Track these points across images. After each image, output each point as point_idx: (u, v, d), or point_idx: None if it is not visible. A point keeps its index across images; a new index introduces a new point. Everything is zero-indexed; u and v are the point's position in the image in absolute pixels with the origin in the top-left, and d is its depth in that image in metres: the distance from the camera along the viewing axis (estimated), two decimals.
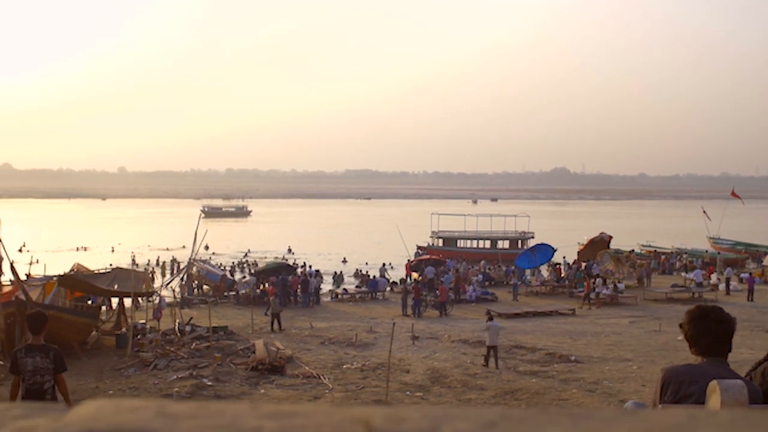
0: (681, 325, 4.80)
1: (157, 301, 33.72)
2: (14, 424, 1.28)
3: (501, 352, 26.22)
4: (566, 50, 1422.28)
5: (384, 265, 52.18)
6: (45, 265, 36.19)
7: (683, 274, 52.34)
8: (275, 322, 32.22)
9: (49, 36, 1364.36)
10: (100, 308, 31.10)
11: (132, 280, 28.35)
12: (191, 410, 1.31)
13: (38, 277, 31.27)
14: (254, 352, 24.38)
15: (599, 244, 51.33)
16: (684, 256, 62.06)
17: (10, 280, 27.92)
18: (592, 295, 41.03)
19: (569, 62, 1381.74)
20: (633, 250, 56.29)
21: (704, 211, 64.85)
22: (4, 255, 23.29)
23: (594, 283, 43.00)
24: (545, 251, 50.27)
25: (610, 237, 52.23)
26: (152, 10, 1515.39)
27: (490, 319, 26.02)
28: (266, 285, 42.88)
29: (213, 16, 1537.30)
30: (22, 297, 24.01)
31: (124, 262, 51.66)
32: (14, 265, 25.24)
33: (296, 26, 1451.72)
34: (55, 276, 29.09)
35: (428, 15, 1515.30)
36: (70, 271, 31.58)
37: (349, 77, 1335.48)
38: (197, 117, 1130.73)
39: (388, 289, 45.47)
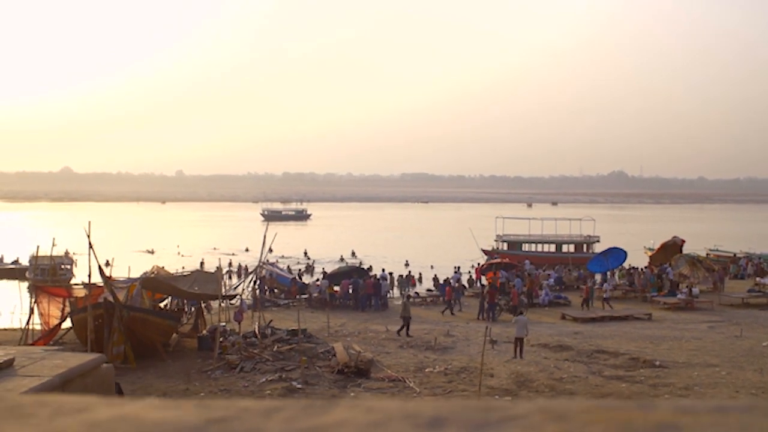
0: None
1: (238, 304, 33.85)
2: None
3: (583, 357, 26.12)
4: (617, 51, 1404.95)
5: (458, 268, 51.86)
6: (129, 267, 36.58)
7: (757, 279, 51.36)
8: (405, 326, 31.35)
9: (107, 46, 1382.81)
10: (183, 310, 31.38)
11: (213, 283, 28.61)
12: None
13: (122, 279, 31.63)
14: (334, 355, 24.38)
15: (672, 248, 50.50)
16: (759, 260, 60.85)
17: (83, 283, 28.33)
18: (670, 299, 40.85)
19: (621, 63, 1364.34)
20: (708, 254, 55.46)
21: None
22: (94, 258, 23.54)
23: (598, 286, 43.76)
24: (617, 255, 49.69)
25: (683, 241, 51.36)
26: (212, 20, 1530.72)
27: (520, 313, 28.15)
28: (335, 288, 43.04)
29: (272, 25, 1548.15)
30: (110, 299, 24.37)
31: (192, 266, 52.18)
32: (102, 267, 25.53)
33: (352, 33, 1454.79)
34: (138, 278, 29.46)
35: (481, 19, 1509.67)
36: (151, 273, 31.93)
37: (405, 81, 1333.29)
38: (254, 121, 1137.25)
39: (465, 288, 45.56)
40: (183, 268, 44.28)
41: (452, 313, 38.74)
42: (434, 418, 1.31)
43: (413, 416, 1.32)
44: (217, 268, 34.07)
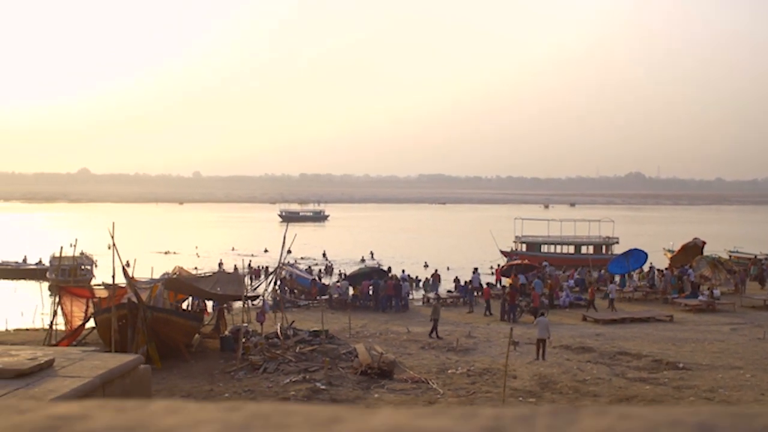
0: None
1: (260, 304, 33.87)
2: None
3: (605, 359, 26.04)
4: (633, 52, 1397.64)
5: (476, 270, 51.61)
6: (152, 268, 36.69)
7: None
8: (434, 328, 31.33)
9: (124, 48, 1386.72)
10: (205, 311, 31.44)
11: (235, 283, 28.67)
12: None
13: (144, 279, 31.72)
14: (357, 356, 24.42)
15: (693, 249, 50.30)
16: None
17: (103, 284, 28.46)
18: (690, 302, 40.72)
19: (637, 64, 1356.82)
20: (729, 256, 55.16)
21: None
22: (118, 259, 23.64)
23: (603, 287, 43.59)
24: (638, 257, 49.41)
25: (704, 242, 51.13)
26: (228, 22, 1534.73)
27: (541, 315, 28.05)
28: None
29: (288, 27, 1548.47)
30: (134, 299, 24.45)
31: (211, 267, 52.26)
32: (125, 268, 25.62)
33: (368, 35, 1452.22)
34: (160, 278, 29.55)
35: (497, 20, 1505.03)
36: (173, 274, 32.02)
37: (422, 83, 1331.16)
38: (271, 122, 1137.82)
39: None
40: (196, 268, 44.35)
41: (489, 313, 38.65)
42: (701, 425, 1.28)
43: (679, 423, 1.29)
44: (234, 268, 34.14)
